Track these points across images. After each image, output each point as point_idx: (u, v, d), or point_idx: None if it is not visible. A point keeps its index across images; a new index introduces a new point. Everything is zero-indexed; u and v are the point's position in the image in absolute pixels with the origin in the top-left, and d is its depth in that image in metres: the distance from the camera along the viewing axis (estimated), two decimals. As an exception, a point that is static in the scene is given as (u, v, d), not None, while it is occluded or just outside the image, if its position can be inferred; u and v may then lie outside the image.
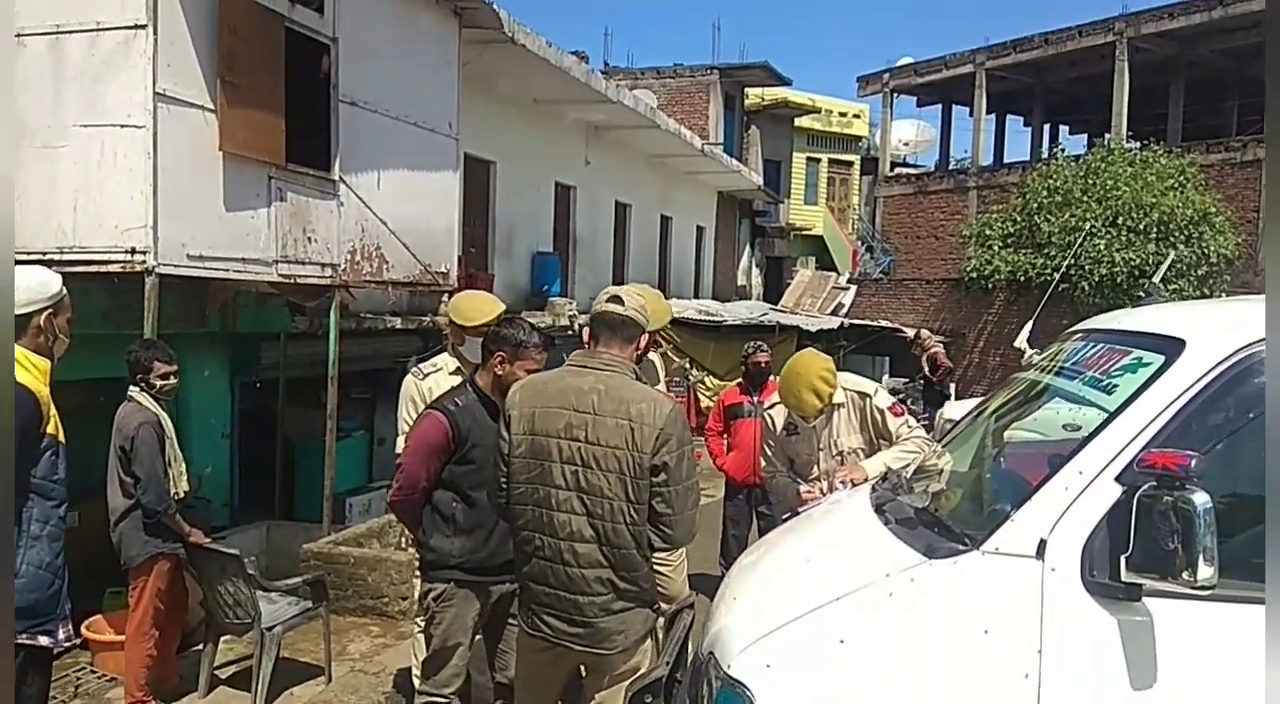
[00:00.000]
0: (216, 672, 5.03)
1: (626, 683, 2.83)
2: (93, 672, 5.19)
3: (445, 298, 9.14)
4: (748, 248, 23.51)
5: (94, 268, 5.28)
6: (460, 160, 8.46)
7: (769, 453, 4.02)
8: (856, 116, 28.77)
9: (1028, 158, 26.37)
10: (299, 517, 8.60)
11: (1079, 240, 18.33)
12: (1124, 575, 2.04)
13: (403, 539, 7.32)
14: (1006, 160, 28.02)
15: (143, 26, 5.16)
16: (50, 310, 2.69)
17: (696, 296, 19.16)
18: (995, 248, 20.44)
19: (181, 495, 4.66)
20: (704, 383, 15.09)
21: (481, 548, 3.30)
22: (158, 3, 5.17)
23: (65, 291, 2.76)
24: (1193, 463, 1.92)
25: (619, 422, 2.67)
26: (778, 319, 16.22)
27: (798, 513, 3.60)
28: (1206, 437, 2.13)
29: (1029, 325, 9.81)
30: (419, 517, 3.37)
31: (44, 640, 2.61)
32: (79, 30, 5.20)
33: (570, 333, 12.25)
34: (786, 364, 3.79)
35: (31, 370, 2.61)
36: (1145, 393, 2.19)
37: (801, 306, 22.68)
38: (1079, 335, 2.94)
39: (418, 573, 6.75)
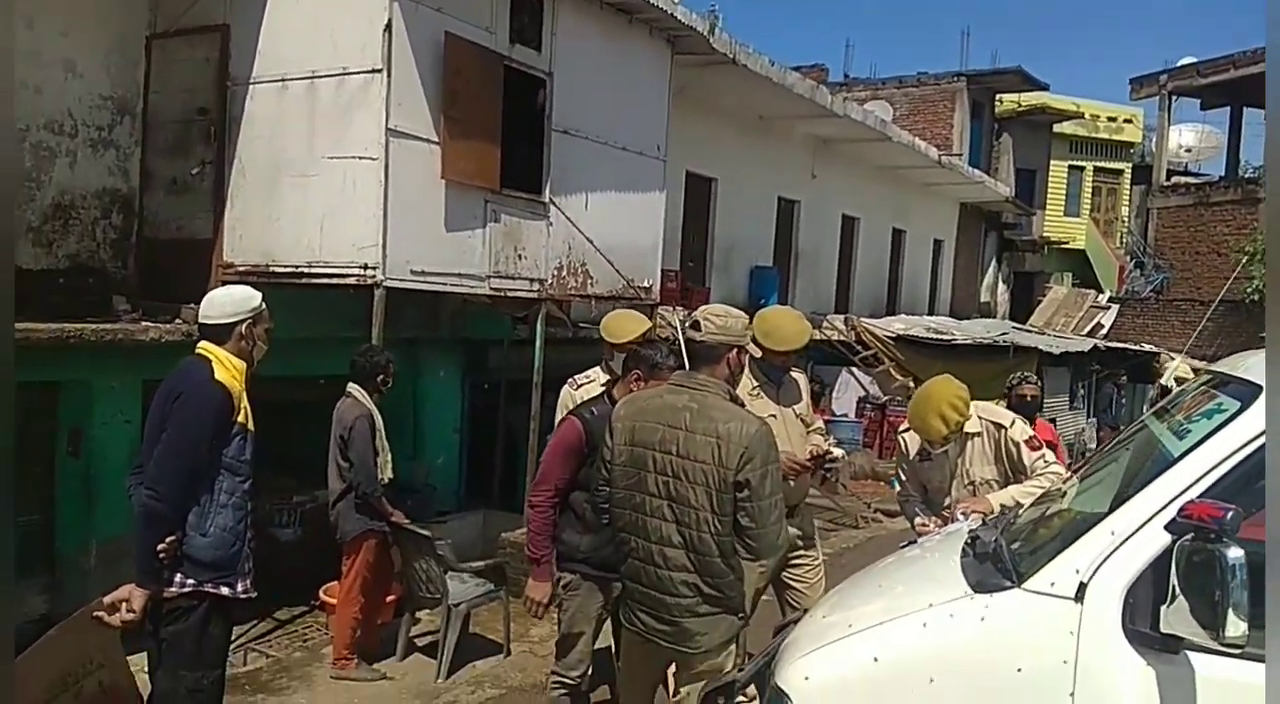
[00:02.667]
0: (413, 640, 5.68)
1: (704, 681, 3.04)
2: (321, 630, 6.00)
3: (658, 310, 9.59)
4: (993, 263, 22.36)
5: (335, 280, 6.11)
6: (665, 180, 8.80)
7: (902, 477, 4.04)
8: (1128, 121, 26.52)
9: (1336, 164, 23.20)
10: (516, 508, 9.35)
11: None
12: (1163, 626, 2.00)
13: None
14: (1310, 167, 24.80)
15: (379, 70, 5.92)
16: (250, 321, 3.26)
17: (931, 312, 18.51)
18: None
19: (387, 481, 5.33)
20: (925, 404, 14.58)
21: (606, 545, 3.55)
22: (392, 49, 5.91)
23: (265, 305, 3.33)
24: (1228, 515, 1.87)
25: (707, 439, 2.89)
26: (1014, 339, 15.35)
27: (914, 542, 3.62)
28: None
29: (1176, 362, 8.82)
30: (550, 519, 3.66)
31: (224, 590, 3.17)
32: (329, 75, 6.05)
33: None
34: (919, 387, 3.81)
35: (230, 370, 3.20)
36: (1210, 440, 2.11)
37: (1053, 326, 21.27)
38: (1205, 376, 2.79)
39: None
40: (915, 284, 18.73)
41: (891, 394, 14.69)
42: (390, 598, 5.67)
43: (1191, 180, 26.24)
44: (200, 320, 3.27)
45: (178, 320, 5.99)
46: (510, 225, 7.00)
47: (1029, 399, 5.66)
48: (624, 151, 8.11)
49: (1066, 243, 24.97)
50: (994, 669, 2.16)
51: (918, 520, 3.72)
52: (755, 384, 4.00)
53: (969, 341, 14.93)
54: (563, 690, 3.82)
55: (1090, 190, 26.56)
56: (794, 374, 4.21)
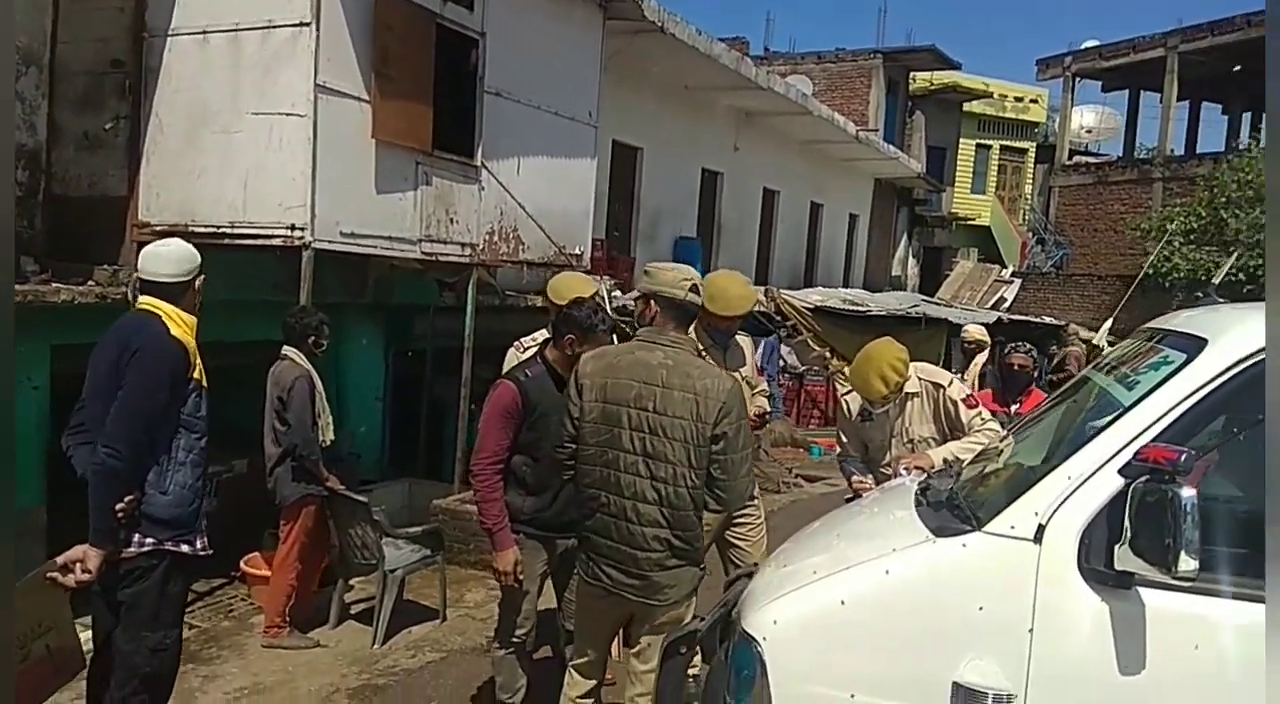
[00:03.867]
0: (346, 607, 5.60)
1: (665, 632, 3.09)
2: (244, 600, 5.87)
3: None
4: (905, 237, 22.95)
5: (260, 241, 5.92)
6: (596, 147, 8.76)
7: (843, 438, 4.15)
8: (1034, 101, 27.41)
9: (1222, 149, 24.46)
10: (441, 477, 9.28)
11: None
12: (1116, 564, 2.11)
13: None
14: (1199, 151, 26.10)
15: (307, 24, 5.72)
16: (203, 276, 3.18)
17: (846, 285, 18.92)
18: (1175, 244, 19.17)
19: (327, 444, 5.22)
20: (844, 373, 14.96)
21: (548, 508, 3.63)
22: (321, 2, 5.72)
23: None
24: (1182, 458, 1.97)
25: (685, 395, 2.94)
26: (926, 311, 15.83)
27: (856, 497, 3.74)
28: (1213, 435, 2.16)
29: (1108, 323, 9.16)
30: (496, 484, 3.57)
31: (184, 548, 3.10)
32: (254, 28, 5.82)
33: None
34: (861, 350, 3.91)
35: (182, 326, 3.10)
36: (1159, 390, 2.23)
37: (959, 299, 21.96)
38: (1142, 334, 2.94)
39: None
40: (832, 257, 19.10)
41: (809, 364, 15.01)
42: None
43: (1091, 160, 27.33)
44: (147, 277, 3.14)
45: (90, 282, 5.73)
46: (442, 188, 6.88)
47: (1017, 369, 5.28)
48: (556, 116, 8.04)
49: (973, 219, 25.76)
50: (956, 608, 2.24)
51: (855, 478, 3.85)
52: (702, 347, 4.04)
53: (883, 313, 15.33)
54: (509, 649, 3.82)
55: (996, 168, 27.42)
56: (739, 338, 4.27)
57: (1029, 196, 27.87)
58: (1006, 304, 21.88)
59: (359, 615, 5.61)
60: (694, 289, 3.15)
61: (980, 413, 3.78)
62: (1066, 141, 26.58)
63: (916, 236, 23.60)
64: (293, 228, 5.82)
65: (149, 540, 3.03)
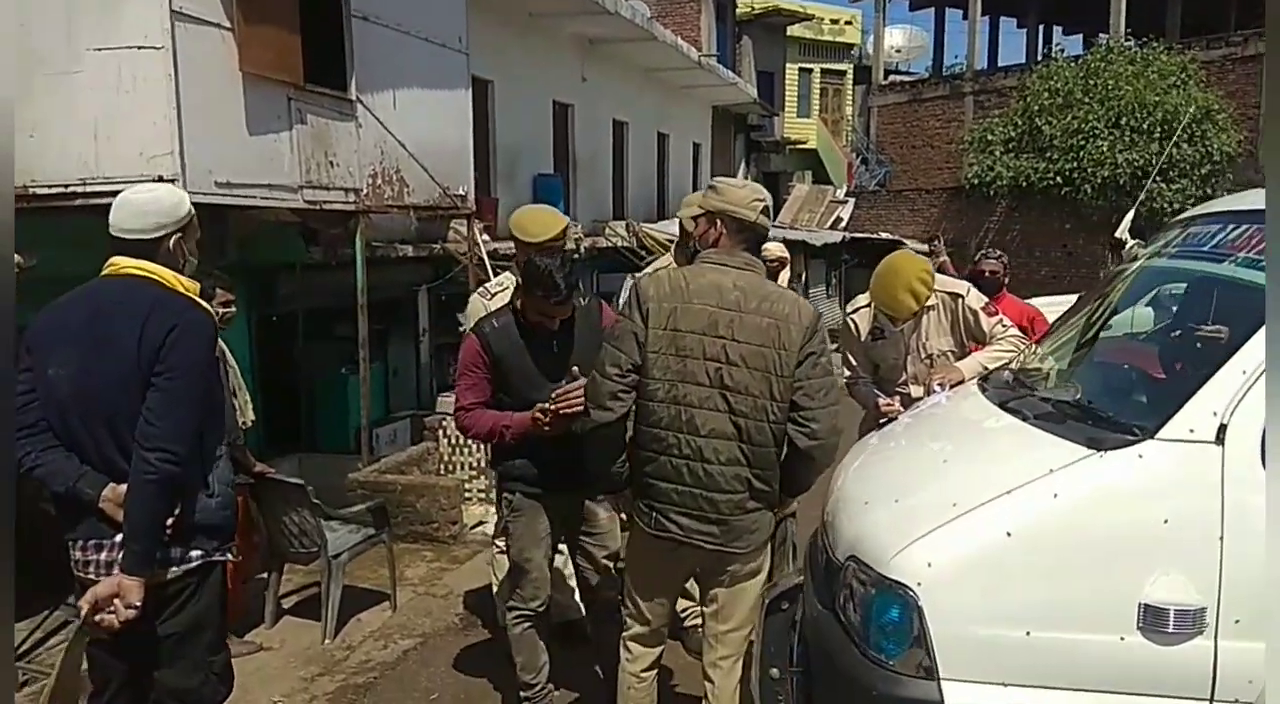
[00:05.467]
0: (279, 602, 5.00)
1: (751, 587, 2.80)
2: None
3: (452, 224, 8.93)
4: (743, 163, 23.12)
5: (120, 199, 5.07)
6: (468, 75, 8.14)
7: (852, 361, 3.93)
8: (849, 23, 28.04)
9: (1023, 61, 25.90)
10: (324, 448, 8.56)
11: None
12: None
13: (441, 465, 7.33)
14: (1001, 64, 27.54)
15: (152, -63, 4.85)
16: (179, 234, 2.51)
17: (696, 215, 18.90)
18: (997, 153, 20.19)
19: (248, 426, 4.57)
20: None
21: (535, 462, 3.32)
22: (165, -90, 4.86)
23: (194, 212, 2.59)
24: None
25: (765, 319, 2.65)
26: (782, 234, 16.02)
27: (880, 424, 3.54)
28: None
29: (1129, 216, 9.12)
30: (477, 416, 3.34)
31: (229, 557, 2.61)
32: (86, -54, 4.89)
33: (577, 257, 11.88)
34: (882, 264, 3.70)
35: (192, 290, 2.50)
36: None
37: (800, 222, 22.45)
38: (1202, 219, 2.83)
39: (465, 497, 6.79)
40: (680, 187, 18.95)
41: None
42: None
43: (905, 79, 28.32)
44: (114, 232, 2.47)
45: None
46: (318, 127, 6.14)
47: (988, 275, 5.07)
48: (427, 42, 7.36)
49: (802, 143, 26.25)
50: (1138, 524, 2.07)
51: (882, 401, 3.62)
52: None
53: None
54: (526, 624, 3.44)
55: (819, 92, 27.98)
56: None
57: (850, 118, 28.67)
58: (844, 224, 22.55)
59: (294, 609, 5.03)
60: (765, 211, 2.84)
61: (1001, 320, 3.64)
62: (881, 62, 27.40)
63: (754, 162, 23.84)
64: (160, 180, 4.99)
65: (195, 553, 2.48)
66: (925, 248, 18.64)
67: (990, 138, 20.41)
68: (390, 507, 6.03)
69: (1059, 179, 18.85)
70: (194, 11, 5.07)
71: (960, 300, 3.68)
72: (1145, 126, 17.95)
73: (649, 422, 2.74)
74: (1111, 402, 2.46)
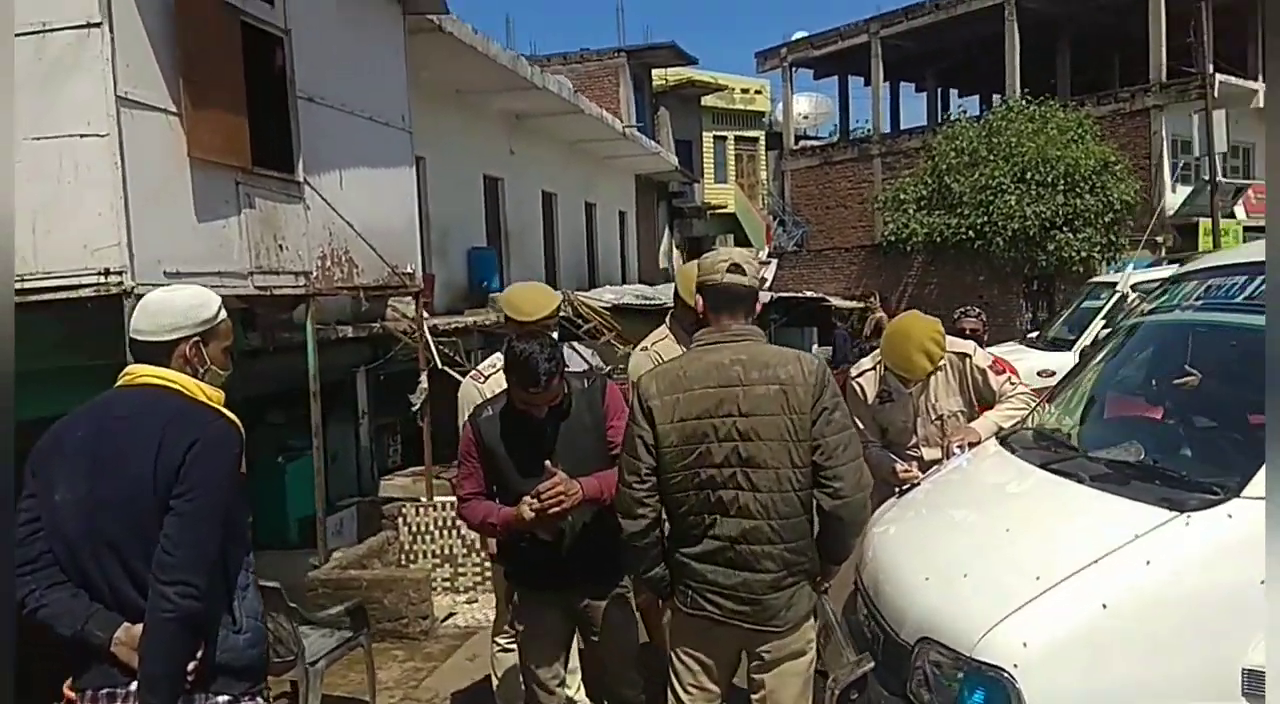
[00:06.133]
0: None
1: (795, 669, 2.65)
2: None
3: (390, 302, 8.71)
4: (666, 230, 23.42)
5: (62, 294, 4.77)
6: (412, 153, 8.04)
7: (859, 425, 3.86)
8: (759, 92, 28.97)
9: (924, 122, 27.02)
10: (261, 543, 8.09)
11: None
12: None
13: (402, 556, 6.99)
14: (904, 126, 28.68)
15: (97, 24, 4.63)
16: (198, 339, 2.27)
17: (624, 282, 18.96)
18: (910, 211, 20.85)
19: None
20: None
21: (529, 557, 3.15)
22: (110, -2, 4.68)
23: (225, 316, 2.34)
24: None
25: (770, 387, 2.57)
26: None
27: (896, 491, 3.47)
28: None
29: (1130, 267, 9.19)
30: (477, 506, 3.19)
31: (261, 702, 2.30)
32: (23, 33, 4.64)
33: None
34: (891, 325, 3.68)
35: (215, 399, 2.26)
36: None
37: (725, 284, 22.70)
38: (1214, 272, 2.87)
39: (434, 589, 6.46)
40: (608, 255, 19.06)
41: (615, 363, 14.82)
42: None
43: (815, 143, 29.27)
44: (130, 334, 2.24)
45: None
46: (266, 211, 5.92)
47: (967, 333, 4.97)
48: (370, 122, 7.23)
49: (721, 207, 26.78)
50: (1235, 587, 2.02)
51: (899, 465, 3.56)
52: None
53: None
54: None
55: (734, 158, 28.69)
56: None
57: (765, 182, 29.42)
58: (769, 283, 22.90)
59: (265, 726, 4.65)
60: (734, 269, 2.74)
61: (1009, 378, 3.64)
62: (791, 128, 28.28)
63: (678, 228, 24.16)
64: (106, 273, 4.73)
65: (222, 699, 2.19)
66: (861, 304, 19.10)
67: (903, 197, 21.09)
68: (357, 605, 5.72)
69: (971, 233, 19.52)
70: (140, 97, 4.85)
71: (968, 360, 3.67)
72: (1049, 180, 18.78)
73: (680, 512, 2.66)
74: (1172, 460, 2.43)
